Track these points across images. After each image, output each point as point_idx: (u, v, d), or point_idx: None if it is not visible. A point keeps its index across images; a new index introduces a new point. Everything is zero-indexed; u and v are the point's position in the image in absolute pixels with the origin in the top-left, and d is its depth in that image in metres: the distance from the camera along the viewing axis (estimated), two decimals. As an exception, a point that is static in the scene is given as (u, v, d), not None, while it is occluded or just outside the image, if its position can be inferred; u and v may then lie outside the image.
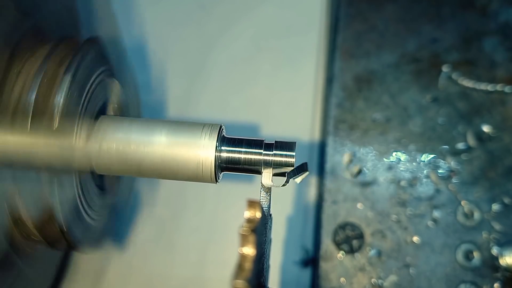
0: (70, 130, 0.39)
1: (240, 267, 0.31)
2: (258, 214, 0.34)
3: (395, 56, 0.64)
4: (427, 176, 0.59)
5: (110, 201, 0.48)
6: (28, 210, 0.38)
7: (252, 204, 0.35)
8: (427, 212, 0.58)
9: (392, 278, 0.56)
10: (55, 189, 0.37)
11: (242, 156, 0.41)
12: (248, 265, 0.31)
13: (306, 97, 0.67)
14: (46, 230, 0.39)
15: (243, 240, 0.32)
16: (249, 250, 0.32)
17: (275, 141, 0.41)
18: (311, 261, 0.61)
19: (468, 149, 0.60)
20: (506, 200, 0.58)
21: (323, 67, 0.68)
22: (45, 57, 0.40)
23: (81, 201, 0.41)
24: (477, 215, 0.57)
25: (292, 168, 0.41)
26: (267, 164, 0.41)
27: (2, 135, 0.37)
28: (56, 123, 0.37)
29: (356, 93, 0.63)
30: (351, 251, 0.58)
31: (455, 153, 0.60)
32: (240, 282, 0.30)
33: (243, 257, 0.32)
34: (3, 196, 0.37)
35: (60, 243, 0.41)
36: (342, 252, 0.58)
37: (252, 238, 0.32)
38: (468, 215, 0.58)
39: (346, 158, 0.57)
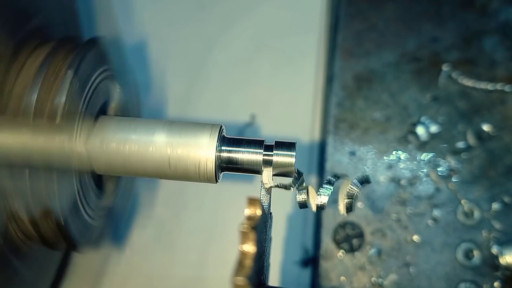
0: (71, 130, 0.39)
1: (240, 264, 0.31)
2: (259, 212, 0.34)
3: (395, 55, 0.64)
4: (427, 175, 0.59)
5: (109, 202, 0.48)
6: (26, 209, 0.38)
7: (252, 201, 0.35)
8: (427, 211, 0.58)
9: (392, 277, 0.56)
10: (55, 188, 0.37)
11: (242, 156, 0.41)
12: (248, 262, 0.31)
13: (306, 97, 0.67)
14: (44, 228, 0.39)
15: (244, 238, 0.32)
16: (249, 248, 0.32)
17: (275, 141, 0.41)
18: (311, 260, 0.61)
19: (468, 148, 0.60)
20: (506, 199, 0.58)
21: (323, 67, 0.68)
22: (45, 57, 0.40)
23: (80, 201, 0.42)
24: (477, 214, 0.57)
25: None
26: (267, 164, 0.41)
27: (3, 135, 0.37)
28: (57, 123, 0.37)
29: (356, 92, 0.63)
30: (351, 250, 0.58)
31: (455, 152, 0.60)
32: (240, 279, 0.30)
33: (243, 254, 0.32)
34: (0, 194, 0.37)
35: (59, 242, 0.41)
36: (342, 251, 0.58)
37: (252, 235, 0.32)
38: (468, 214, 0.58)
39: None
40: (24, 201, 0.38)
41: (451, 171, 0.59)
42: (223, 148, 0.41)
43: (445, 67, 0.63)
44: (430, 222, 0.58)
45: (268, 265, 0.42)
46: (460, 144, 0.60)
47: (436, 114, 0.61)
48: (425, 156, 0.60)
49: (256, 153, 0.41)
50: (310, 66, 0.69)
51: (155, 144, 0.40)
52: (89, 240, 0.44)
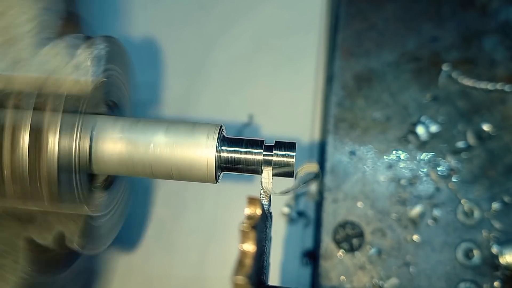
0: (71, 129, 0.39)
1: (240, 263, 0.31)
2: (259, 211, 0.34)
3: (395, 55, 0.64)
4: (427, 175, 0.59)
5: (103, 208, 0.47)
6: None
7: (252, 201, 0.35)
8: (427, 211, 0.58)
9: (392, 277, 0.56)
10: (55, 188, 0.37)
11: (242, 156, 0.41)
12: (249, 262, 0.31)
13: (306, 97, 0.67)
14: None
15: (244, 237, 0.32)
16: (250, 247, 0.32)
17: (275, 141, 0.41)
18: (312, 254, 0.61)
19: (468, 147, 0.60)
20: (506, 199, 0.58)
21: (323, 66, 0.68)
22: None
23: (81, 201, 0.41)
24: (477, 213, 0.57)
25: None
26: (267, 164, 0.41)
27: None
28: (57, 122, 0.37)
29: (356, 92, 0.63)
30: (351, 249, 0.58)
31: (455, 152, 0.60)
32: (241, 278, 0.30)
33: (243, 253, 0.32)
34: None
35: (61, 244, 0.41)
36: (342, 250, 0.58)
37: (252, 234, 0.32)
38: (468, 214, 0.58)
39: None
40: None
41: (451, 170, 0.59)
42: (223, 148, 0.41)
43: (445, 67, 0.63)
44: (430, 221, 0.58)
45: (268, 264, 0.43)
46: (460, 144, 0.60)
47: (436, 114, 0.61)
48: (425, 156, 0.60)
49: (256, 153, 0.41)
50: (310, 66, 0.69)
51: (155, 144, 0.40)
52: (90, 240, 0.44)
